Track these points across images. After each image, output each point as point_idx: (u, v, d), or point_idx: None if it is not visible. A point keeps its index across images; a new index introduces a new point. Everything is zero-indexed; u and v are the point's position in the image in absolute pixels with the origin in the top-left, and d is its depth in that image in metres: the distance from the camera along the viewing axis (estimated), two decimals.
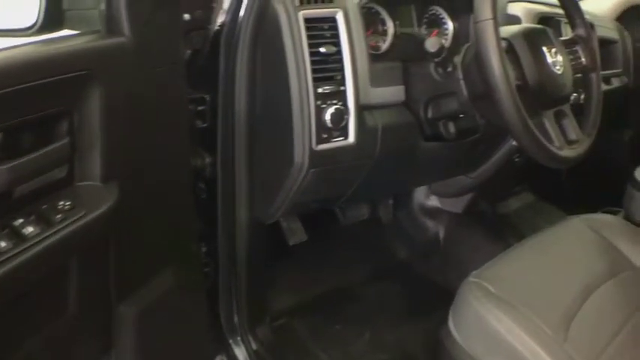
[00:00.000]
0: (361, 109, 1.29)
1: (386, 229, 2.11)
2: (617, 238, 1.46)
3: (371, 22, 1.43)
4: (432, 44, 1.34)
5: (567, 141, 1.35)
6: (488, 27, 1.13)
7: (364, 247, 2.09)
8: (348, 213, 1.98)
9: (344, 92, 1.25)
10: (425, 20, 1.55)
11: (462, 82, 1.35)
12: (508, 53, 1.24)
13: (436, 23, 1.58)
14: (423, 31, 1.55)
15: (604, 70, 2.27)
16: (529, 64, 1.28)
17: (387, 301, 1.94)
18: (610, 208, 2.38)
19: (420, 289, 1.99)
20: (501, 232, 2.19)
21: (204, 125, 1.37)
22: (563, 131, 1.36)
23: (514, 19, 1.68)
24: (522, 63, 1.28)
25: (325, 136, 1.25)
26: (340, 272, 1.98)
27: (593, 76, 1.50)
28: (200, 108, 1.35)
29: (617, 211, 2.13)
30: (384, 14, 1.46)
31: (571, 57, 1.45)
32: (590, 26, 1.97)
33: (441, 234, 2.15)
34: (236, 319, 1.54)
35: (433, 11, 1.57)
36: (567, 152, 1.30)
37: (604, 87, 2.19)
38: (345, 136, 1.27)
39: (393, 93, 1.38)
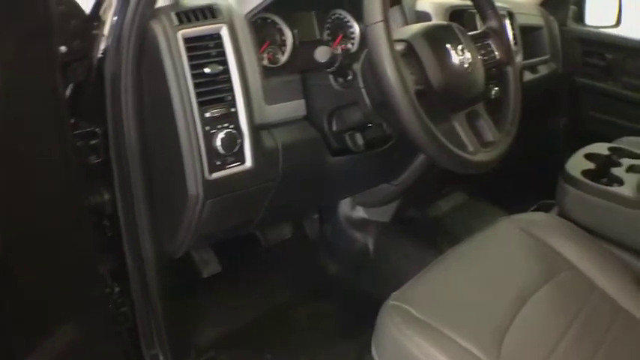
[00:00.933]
0: (257, 129, 1.23)
1: (313, 245, 2.08)
2: (551, 237, 1.42)
3: (267, 33, 1.37)
4: (321, 54, 1.23)
5: (483, 143, 1.30)
6: (378, 30, 1.06)
7: (291, 266, 2.04)
8: (268, 234, 1.93)
9: (235, 114, 1.19)
10: (328, 26, 1.50)
11: (363, 91, 1.26)
12: (407, 56, 1.18)
13: (341, 27, 1.53)
14: (326, 37, 1.49)
15: (530, 57, 2.29)
16: (432, 65, 1.19)
17: (320, 322, 1.89)
18: (545, 202, 2.38)
19: (354, 305, 1.94)
20: (433, 237, 2.16)
21: (99, 160, 1.28)
22: (478, 133, 1.31)
23: (424, 17, 1.63)
24: (424, 65, 1.19)
25: (219, 163, 1.18)
26: (268, 296, 1.93)
27: (509, 69, 1.43)
28: (92, 142, 1.28)
29: (553, 204, 2.14)
30: (282, 24, 1.40)
31: (482, 52, 1.39)
32: (509, 15, 1.97)
33: (371, 245, 2.11)
34: (161, 357, 1.49)
35: (336, 15, 1.52)
36: (482, 156, 1.24)
37: (530, 76, 2.25)
38: (242, 160, 1.21)
39: (293, 108, 1.32)
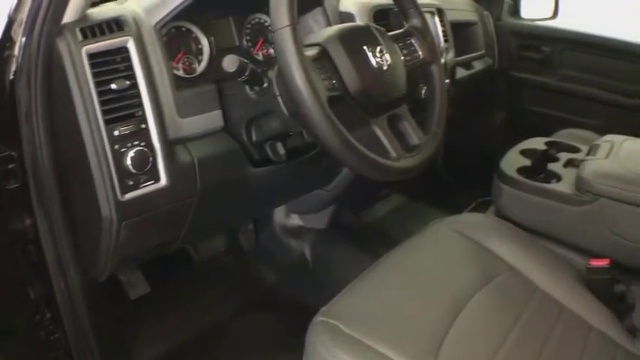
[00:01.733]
0: (171, 145, 1.19)
1: (249, 256, 2.05)
2: (487, 239, 1.41)
3: (182, 42, 1.33)
4: (229, 63, 1.14)
5: (408, 147, 1.27)
6: (285, 35, 1.02)
7: (227, 280, 2.01)
8: (200, 248, 1.90)
9: (146, 130, 1.15)
10: (247, 31, 1.47)
11: (279, 99, 1.21)
12: (320, 61, 1.14)
13: (261, 32, 1.50)
14: (246, 43, 1.47)
15: (465, 54, 2.30)
16: (347, 69, 1.15)
17: (259, 336, 1.86)
18: (484, 199, 2.39)
19: (294, 316, 1.90)
20: (371, 242, 2.15)
21: (17, 185, 1.22)
22: (401, 137, 1.29)
23: (347, 18, 1.61)
24: (339, 69, 1.15)
25: (131, 183, 1.14)
26: (204, 312, 1.88)
27: (434, 69, 1.41)
28: (10, 166, 1.21)
29: (491, 202, 2.15)
30: (197, 32, 1.36)
31: (405, 52, 1.36)
32: (438, 12, 1.97)
33: (308, 253, 2.10)
34: None
35: (256, 20, 1.49)
36: (406, 162, 1.21)
37: (464, 72, 2.26)
38: (156, 179, 1.17)
39: (209, 120, 1.28)
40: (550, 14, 2.72)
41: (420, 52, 1.40)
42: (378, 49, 1.22)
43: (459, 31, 2.29)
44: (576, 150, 1.88)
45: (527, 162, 1.78)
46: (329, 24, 1.56)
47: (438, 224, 1.48)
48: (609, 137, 1.78)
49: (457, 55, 2.21)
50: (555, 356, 1.14)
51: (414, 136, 1.31)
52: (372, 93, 1.19)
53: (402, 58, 1.33)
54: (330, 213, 2.03)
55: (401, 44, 1.37)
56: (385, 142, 1.21)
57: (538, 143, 1.92)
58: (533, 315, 1.22)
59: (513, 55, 2.80)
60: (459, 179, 2.41)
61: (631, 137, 1.77)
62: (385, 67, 1.22)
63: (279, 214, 2.10)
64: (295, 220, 2.10)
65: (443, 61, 1.97)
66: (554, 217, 1.60)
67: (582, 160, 1.66)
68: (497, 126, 2.90)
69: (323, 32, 1.24)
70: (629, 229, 1.47)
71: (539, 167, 1.79)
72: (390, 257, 1.36)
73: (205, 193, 1.27)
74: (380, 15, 1.70)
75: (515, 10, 2.82)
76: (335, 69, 1.16)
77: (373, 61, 1.20)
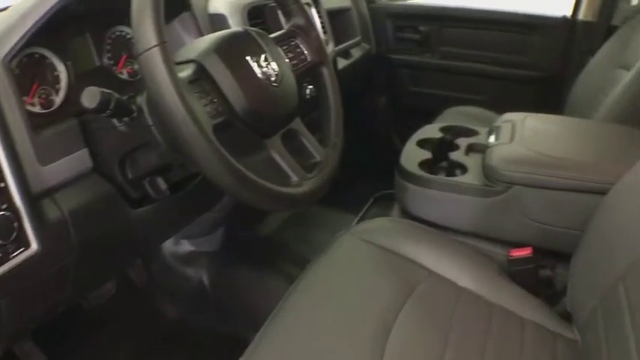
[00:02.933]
0: (36, 201, 1.00)
1: (143, 292, 1.88)
2: (400, 245, 1.34)
3: (37, 72, 1.12)
4: (89, 99, 0.94)
5: (308, 166, 1.16)
6: (153, 58, 0.86)
7: (126, 322, 1.83)
8: (90, 297, 1.70)
9: (5, 189, 0.95)
10: (108, 47, 1.29)
11: (153, 129, 1.03)
12: (198, 82, 0.99)
13: (124, 47, 1.31)
14: (108, 61, 1.29)
15: (342, 42, 2.23)
16: (231, 88, 1.01)
17: None
18: (382, 193, 2.34)
19: (202, 346, 1.79)
20: (269, 256, 2.06)
21: None
22: (300, 154, 1.17)
23: (219, 20, 1.48)
24: (222, 89, 1.01)
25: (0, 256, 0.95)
26: None
27: (324, 70, 1.30)
28: None
29: (391, 194, 2.07)
30: (52, 57, 1.15)
31: (291, 55, 1.25)
32: (314, 2, 1.87)
33: (205, 279, 1.97)
34: None
35: (117, 33, 1.31)
36: (310, 185, 1.09)
37: (344, 62, 2.19)
38: (25, 245, 0.97)
39: (75, 162, 1.07)
40: None
41: (307, 54, 1.29)
42: (263, 57, 1.10)
43: (333, 19, 2.21)
44: (474, 133, 1.84)
45: (426, 154, 1.70)
46: (199, 30, 1.41)
47: (346, 236, 1.39)
48: (508, 116, 1.74)
49: (335, 44, 2.14)
50: (498, 357, 1.10)
51: (314, 152, 1.19)
52: (262, 111, 1.07)
53: (289, 62, 1.21)
54: (222, 234, 1.94)
55: (285, 47, 1.25)
56: (284, 166, 1.09)
57: (433, 131, 1.86)
58: (465, 319, 1.18)
59: (390, 38, 2.77)
60: (352, 175, 2.32)
61: (530, 114, 1.74)
62: (273, 78, 1.09)
63: (168, 243, 1.97)
64: (186, 246, 1.98)
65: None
66: (466, 212, 1.53)
67: (485, 146, 1.61)
68: (379, 111, 2.85)
69: (196, 45, 1.08)
70: (546, 213, 1.43)
71: (440, 158, 1.72)
72: (302, 285, 1.25)
73: (84, 248, 1.09)
74: (254, 13, 1.58)
75: None
76: (216, 89, 1.01)
77: (259, 73, 1.07)
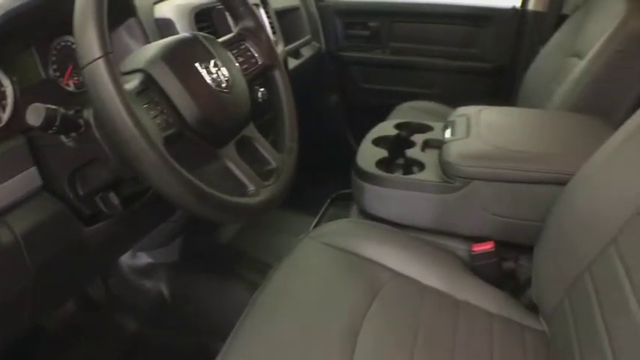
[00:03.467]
0: None
1: (103, 308, 1.82)
2: (362, 246, 1.32)
3: None
4: (33, 117, 0.90)
5: (265, 173, 1.13)
6: (98, 70, 0.81)
7: (87, 341, 1.77)
8: (50, 317, 1.65)
9: None
10: (53, 59, 1.21)
11: (102, 143, 1.00)
12: (146, 92, 0.94)
13: (70, 57, 1.24)
14: (53, 73, 1.24)
15: (291, 42, 2.22)
16: (181, 97, 0.97)
17: None
18: (339, 193, 2.33)
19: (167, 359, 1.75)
20: (230, 264, 2.02)
21: None
22: (255, 162, 1.14)
23: (166, 25, 1.44)
24: (172, 99, 0.96)
25: None
26: None
27: (276, 74, 1.27)
28: None
29: (349, 193, 2.05)
30: None
31: (241, 59, 1.21)
32: (262, 3, 1.84)
33: (166, 291, 1.92)
34: None
35: (63, 43, 1.25)
36: (267, 193, 1.07)
37: (295, 62, 2.17)
38: None
39: (24, 181, 1.02)
40: None
41: (258, 57, 1.26)
42: (212, 63, 1.06)
43: (282, 18, 2.19)
44: (429, 128, 1.84)
45: (383, 152, 1.69)
46: (146, 37, 1.36)
47: (306, 240, 1.36)
48: (462, 110, 1.75)
49: (285, 44, 2.12)
50: (468, 354, 1.10)
51: (269, 158, 1.17)
52: (214, 120, 1.02)
53: (239, 67, 1.17)
54: (180, 243, 1.90)
55: (235, 51, 1.21)
56: (240, 175, 1.06)
57: (388, 129, 1.85)
58: (433, 317, 1.17)
59: (340, 36, 2.76)
60: (308, 176, 2.30)
61: (484, 107, 1.75)
62: (224, 85, 1.06)
63: (125, 256, 1.93)
64: (143, 259, 1.93)
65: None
66: (425, 209, 1.52)
67: (441, 141, 1.61)
68: (334, 111, 2.84)
69: (143, 52, 1.02)
70: (506, 206, 1.43)
71: (396, 155, 1.71)
72: (267, 292, 1.22)
73: (39, 270, 1.04)
74: (201, 16, 1.55)
75: None
76: (166, 99, 0.97)
77: (209, 80, 1.03)
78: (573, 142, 1.49)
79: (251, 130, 1.16)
